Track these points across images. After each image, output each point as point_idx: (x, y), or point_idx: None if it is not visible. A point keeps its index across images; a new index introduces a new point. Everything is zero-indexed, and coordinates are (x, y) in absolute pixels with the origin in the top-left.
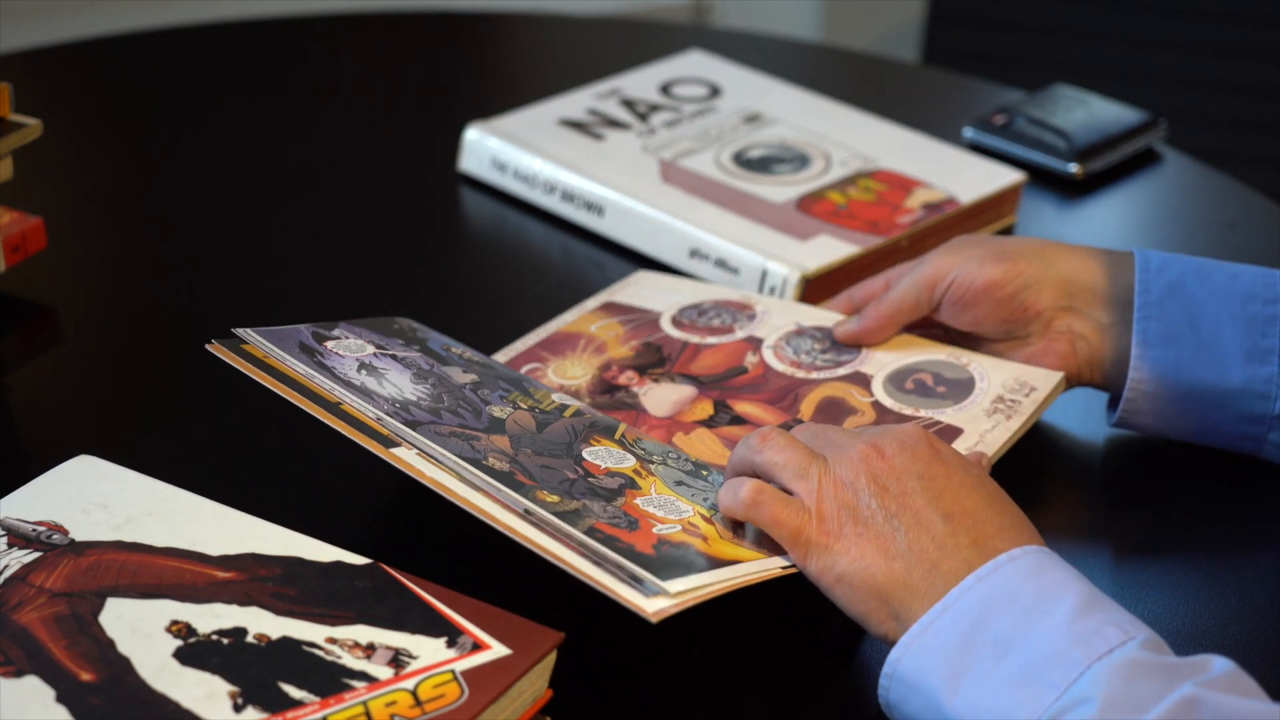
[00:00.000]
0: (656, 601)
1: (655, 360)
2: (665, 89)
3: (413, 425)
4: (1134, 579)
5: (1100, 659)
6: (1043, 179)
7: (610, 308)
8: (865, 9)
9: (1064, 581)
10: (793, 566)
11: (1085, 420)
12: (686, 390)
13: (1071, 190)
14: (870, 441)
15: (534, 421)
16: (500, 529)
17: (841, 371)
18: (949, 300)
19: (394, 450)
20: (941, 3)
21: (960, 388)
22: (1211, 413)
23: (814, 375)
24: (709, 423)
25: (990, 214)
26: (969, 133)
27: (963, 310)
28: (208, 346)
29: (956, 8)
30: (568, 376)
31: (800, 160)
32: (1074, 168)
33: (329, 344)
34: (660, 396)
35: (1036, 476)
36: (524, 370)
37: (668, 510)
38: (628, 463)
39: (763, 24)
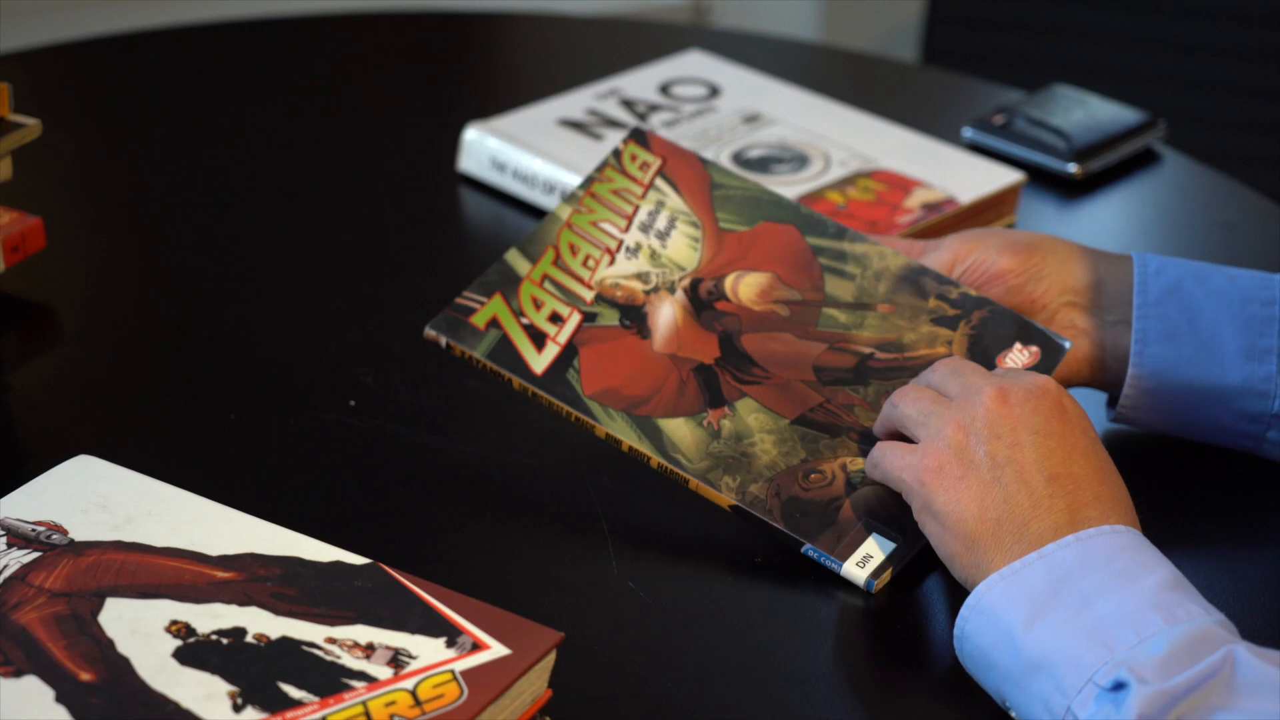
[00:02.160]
0: None
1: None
2: (664, 89)
3: None
4: None
5: (1179, 623)
6: (1042, 179)
7: None
8: (865, 9)
9: (1158, 562)
10: None
11: None
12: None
13: (1071, 190)
14: (999, 386)
15: None
16: None
17: None
18: (966, 283)
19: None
20: (941, 3)
21: None
22: (1210, 410)
23: None
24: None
25: (990, 214)
26: (968, 133)
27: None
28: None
29: (956, 8)
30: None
31: (799, 160)
32: (1073, 168)
33: None
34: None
35: None
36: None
37: None
38: None
39: (762, 24)
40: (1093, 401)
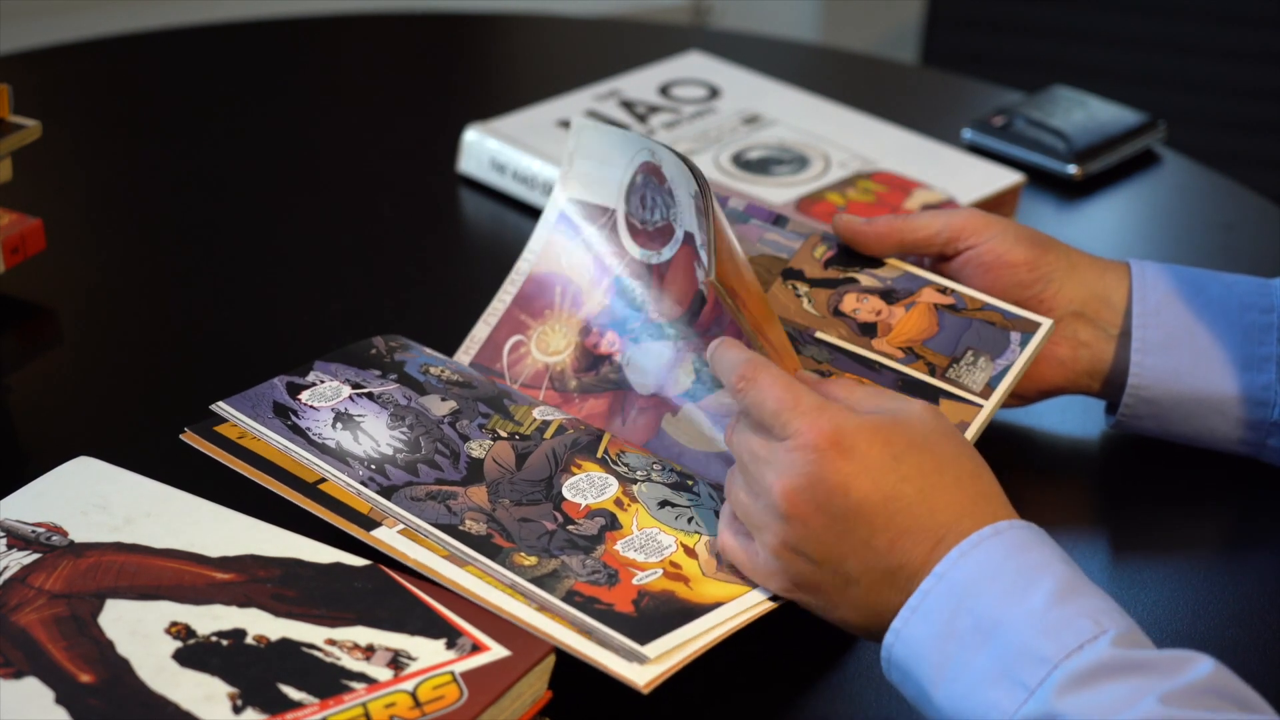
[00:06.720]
0: (646, 671)
1: (631, 308)
2: (664, 90)
3: (389, 492)
4: (1132, 580)
5: (1070, 656)
6: (1042, 180)
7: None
8: (865, 10)
9: (1045, 562)
10: (780, 600)
11: (1084, 420)
12: (665, 354)
13: (1070, 192)
14: (780, 486)
15: (514, 455)
16: (487, 606)
17: None
18: (973, 261)
19: (374, 533)
20: (941, 4)
21: None
22: (1210, 419)
23: None
24: (692, 394)
25: None
26: (968, 134)
27: (982, 274)
28: (182, 437)
29: (956, 9)
30: (551, 352)
31: (799, 162)
32: (1073, 169)
33: (303, 395)
34: (642, 368)
35: (1035, 476)
36: (508, 346)
37: (649, 552)
38: (609, 491)
39: (762, 25)
40: (1093, 406)
